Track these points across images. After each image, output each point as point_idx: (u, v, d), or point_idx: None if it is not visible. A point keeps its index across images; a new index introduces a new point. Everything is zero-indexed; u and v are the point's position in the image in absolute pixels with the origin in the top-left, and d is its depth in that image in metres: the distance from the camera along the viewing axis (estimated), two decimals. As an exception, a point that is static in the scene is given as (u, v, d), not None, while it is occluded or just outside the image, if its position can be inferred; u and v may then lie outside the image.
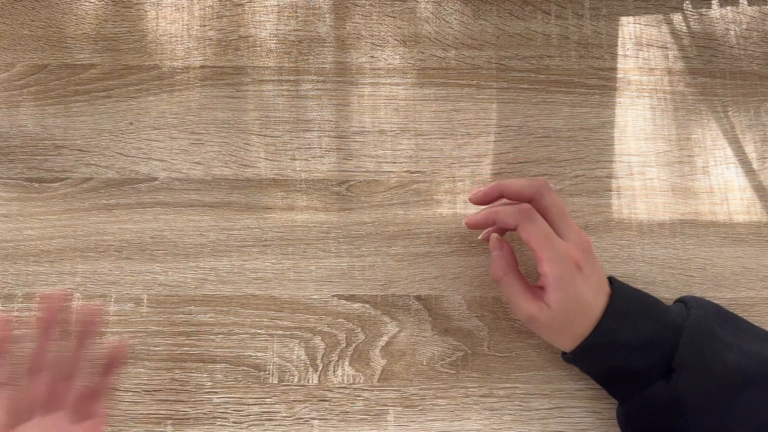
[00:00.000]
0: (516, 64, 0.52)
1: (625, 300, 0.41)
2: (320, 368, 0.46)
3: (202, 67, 0.51)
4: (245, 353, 0.46)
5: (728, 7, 0.54)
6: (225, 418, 0.45)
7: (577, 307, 0.41)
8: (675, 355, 0.39)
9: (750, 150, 0.51)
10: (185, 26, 0.52)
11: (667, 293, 0.48)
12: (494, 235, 0.45)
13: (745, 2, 0.54)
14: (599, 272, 0.43)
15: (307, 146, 0.50)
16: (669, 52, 0.53)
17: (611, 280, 0.43)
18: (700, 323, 0.40)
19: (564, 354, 0.44)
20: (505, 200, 0.45)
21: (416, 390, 0.46)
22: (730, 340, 0.40)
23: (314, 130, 0.50)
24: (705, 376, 0.39)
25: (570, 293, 0.40)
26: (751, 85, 0.53)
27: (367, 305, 0.47)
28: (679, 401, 0.39)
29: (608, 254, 0.49)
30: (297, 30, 0.52)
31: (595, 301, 0.41)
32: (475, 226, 0.45)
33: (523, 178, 0.46)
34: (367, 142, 0.50)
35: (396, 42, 0.52)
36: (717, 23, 0.54)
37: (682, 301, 0.44)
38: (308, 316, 0.47)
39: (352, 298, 0.47)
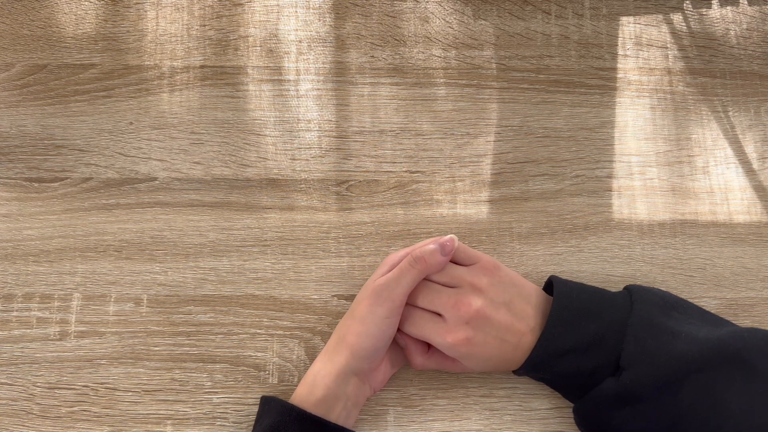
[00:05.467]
0: (516, 64, 0.52)
1: (566, 304, 0.41)
2: (320, 368, 0.46)
3: (202, 67, 0.51)
4: (245, 353, 0.46)
5: (728, 7, 0.54)
6: (225, 418, 0.45)
7: (501, 344, 0.41)
8: (621, 353, 0.39)
9: (750, 150, 0.51)
10: (185, 26, 0.52)
11: (667, 293, 0.48)
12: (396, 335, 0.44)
13: (745, 2, 0.54)
14: (519, 287, 0.43)
15: (307, 146, 0.50)
16: (669, 52, 0.53)
17: (552, 281, 0.43)
18: (642, 319, 0.40)
19: (515, 370, 0.43)
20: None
21: (416, 390, 0.46)
22: (678, 328, 0.40)
23: (314, 130, 0.50)
24: (652, 369, 0.39)
25: (479, 350, 0.41)
26: (752, 85, 0.53)
27: (367, 305, 0.47)
28: (627, 394, 0.39)
29: (608, 254, 0.49)
30: (297, 30, 0.52)
31: (523, 321, 0.41)
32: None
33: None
34: (367, 142, 0.50)
35: (396, 42, 0.52)
36: (717, 23, 0.54)
37: (627, 290, 0.43)
38: (308, 316, 0.47)
39: (352, 298, 0.47)
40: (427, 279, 0.42)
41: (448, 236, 0.42)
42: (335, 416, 0.40)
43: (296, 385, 0.43)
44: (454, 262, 0.43)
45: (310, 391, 0.41)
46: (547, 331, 0.40)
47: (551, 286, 0.44)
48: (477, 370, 0.43)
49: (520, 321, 0.41)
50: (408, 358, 0.44)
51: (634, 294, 0.42)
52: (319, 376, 0.41)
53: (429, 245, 0.42)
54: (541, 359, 0.41)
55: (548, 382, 0.44)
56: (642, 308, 0.41)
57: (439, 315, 0.41)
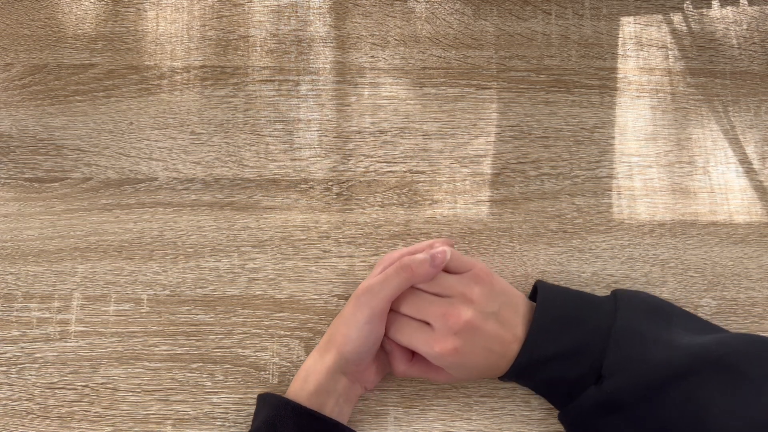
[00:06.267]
0: (516, 64, 0.52)
1: (549, 311, 0.41)
2: (320, 368, 0.46)
3: (202, 67, 0.51)
4: (245, 353, 0.46)
5: (728, 7, 0.54)
6: (225, 418, 0.45)
7: (488, 354, 0.41)
8: (603, 362, 0.39)
9: (750, 150, 0.51)
10: (185, 26, 0.52)
11: (667, 293, 0.48)
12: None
13: (746, 2, 0.54)
14: (508, 295, 0.42)
15: (307, 146, 0.50)
16: (669, 52, 0.53)
17: (537, 287, 0.43)
18: (624, 327, 0.40)
19: (500, 376, 0.43)
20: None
21: (416, 390, 0.46)
22: (660, 336, 0.40)
23: (314, 130, 0.50)
24: (633, 377, 0.39)
25: (466, 360, 0.40)
26: (752, 85, 0.53)
27: (367, 305, 0.47)
28: (609, 402, 0.39)
29: (608, 254, 0.49)
30: (297, 30, 0.52)
31: (509, 330, 0.41)
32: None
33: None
34: (367, 142, 0.50)
35: (396, 42, 0.52)
36: (717, 23, 0.54)
37: (614, 294, 0.43)
38: (308, 316, 0.47)
39: (352, 298, 0.47)
40: (417, 288, 0.42)
41: (441, 248, 0.41)
42: (328, 411, 0.40)
43: (296, 385, 0.43)
44: (446, 270, 0.43)
45: (302, 385, 0.41)
46: (529, 339, 0.40)
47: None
48: (461, 379, 0.43)
49: (507, 330, 0.41)
50: (391, 364, 0.43)
51: (619, 300, 0.42)
52: (311, 371, 0.41)
53: (420, 255, 0.41)
54: (525, 367, 0.41)
55: (535, 389, 0.43)
56: (625, 315, 0.40)
57: (427, 324, 0.41)
